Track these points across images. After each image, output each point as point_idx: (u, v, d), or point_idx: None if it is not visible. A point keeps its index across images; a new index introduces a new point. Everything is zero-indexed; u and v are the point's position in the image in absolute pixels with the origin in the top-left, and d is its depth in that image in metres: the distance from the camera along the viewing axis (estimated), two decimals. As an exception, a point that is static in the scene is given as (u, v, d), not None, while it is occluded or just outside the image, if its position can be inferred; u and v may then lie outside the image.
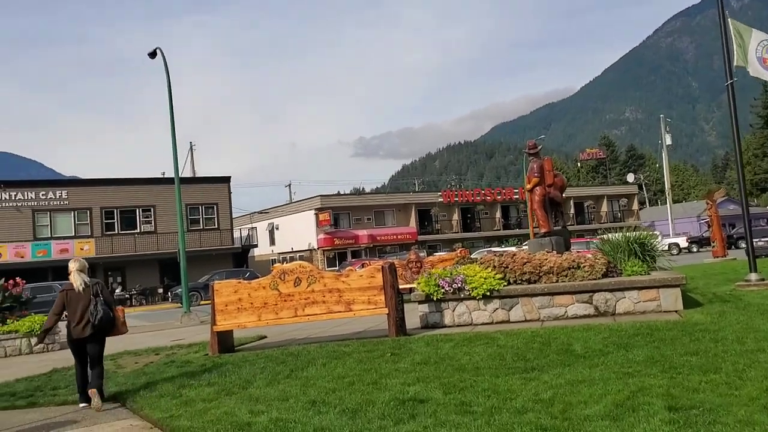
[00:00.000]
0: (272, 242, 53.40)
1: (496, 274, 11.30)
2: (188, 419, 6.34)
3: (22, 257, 37.78)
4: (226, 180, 43.56)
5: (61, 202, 39.19)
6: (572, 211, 61.03)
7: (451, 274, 11.54)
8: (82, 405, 7.70)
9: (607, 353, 7.64)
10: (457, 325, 11.33)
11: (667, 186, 56.50)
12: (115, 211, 40.06)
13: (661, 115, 58.19)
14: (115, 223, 40.07)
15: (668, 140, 56.62)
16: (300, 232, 49.44)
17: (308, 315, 10.91)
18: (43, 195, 39.04)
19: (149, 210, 40.92)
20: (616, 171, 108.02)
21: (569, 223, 60.41)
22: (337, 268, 49.38)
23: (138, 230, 40.51)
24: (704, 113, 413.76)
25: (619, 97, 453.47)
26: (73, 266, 7.99)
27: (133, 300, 37.74)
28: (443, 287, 11.30)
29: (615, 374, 6.50)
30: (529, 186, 13.16)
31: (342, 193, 65.58)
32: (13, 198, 38.24)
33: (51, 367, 12.00)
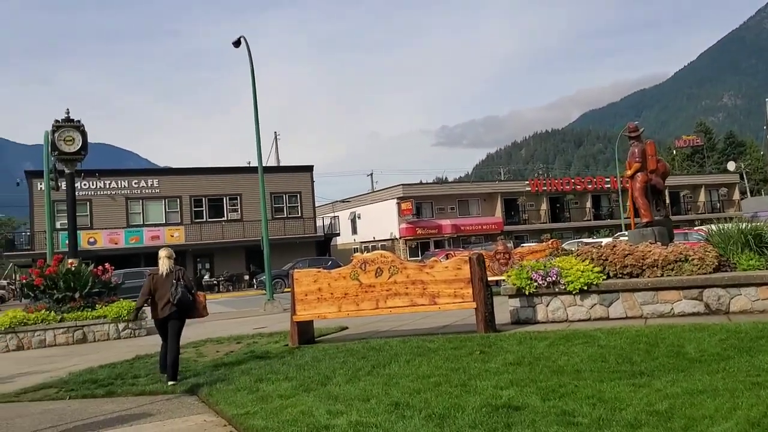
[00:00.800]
0: (354, 231, 53.39)
1: (594, 266, 10.44)
2: (263, 418, 5.92)
3: (116, 243, 39.16)
4: (309, 169, 43.77)
5: (153, 191, 40.37)
6: (668, 200, 58.03)
7: (544, 266, 10.75)
8: (159, 375, 8.77)
9: (727, 358, 6.73)
10: (551, 322, 10.56)
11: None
12: (204, 199, 40.93)
13: (767, 100, 54.45)
14: (204, 211, 40.95)
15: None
16: (382, 221, 49.16)
17: (390, 307, 10.39)
18: (135, 183, 40.31)
19: (236, 198, 41.59)
20: (713, 159, 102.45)
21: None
22: (419, 258, 48.90)
23: (225, 218, 41.25)
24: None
25: (716, 82, 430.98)
26: (162, 253, 8.88)
27: (221, 286, 38.46)
28: (536, 280, 10.54)
29: (742, 384, 5.62)
30: (629, 172, 12.13)
31: (424, 182, 64.79)
32: (107, 186, 39.66)
33: (135, 353, 12.01)
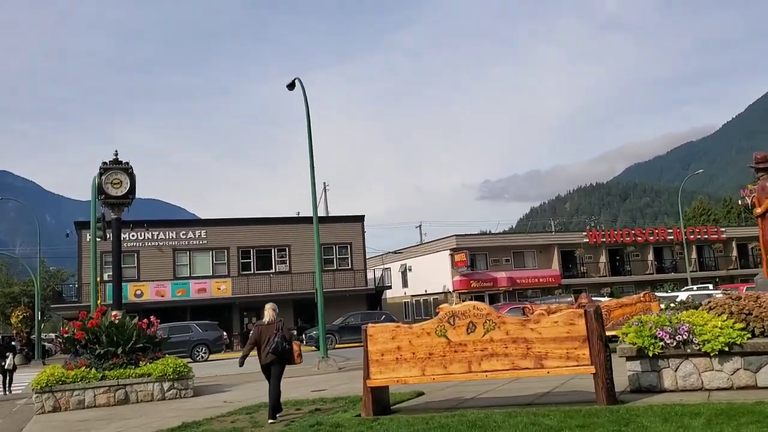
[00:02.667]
0: (404, 284, 51.55)
1: (734, 322, 8.55)
2: None
3: (162, 296, 38.10)
4: (360, 219, 42.37)
5: (200, 242, 39.41)
6: (735, 252, 55.02)
7: (670, 321, 8.91)
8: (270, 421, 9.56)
9: None
10: (682, 390, 8.64)
11: None
12: (252, 250, 39.76)
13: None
14: (251, 263, 39.74)
15: None
16: (434, 273, 47.29)
17: (486, 371, 8.64)
18: (183, 234, 39.46)
19: (284, 250, 40.35)
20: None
21: (731, 267, 54.43)
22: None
23: (273, 270, 39.95)
24: None
25: (766, 134, 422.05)
26: (268, 306, 10.28)
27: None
28: (663, 339, 8.68)
29: None
30: (760, 210, 10.25)
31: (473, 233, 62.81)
32: (155, 237, 38.87)
33: (181, 419, 10.44)
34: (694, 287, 39.45)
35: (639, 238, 51.70)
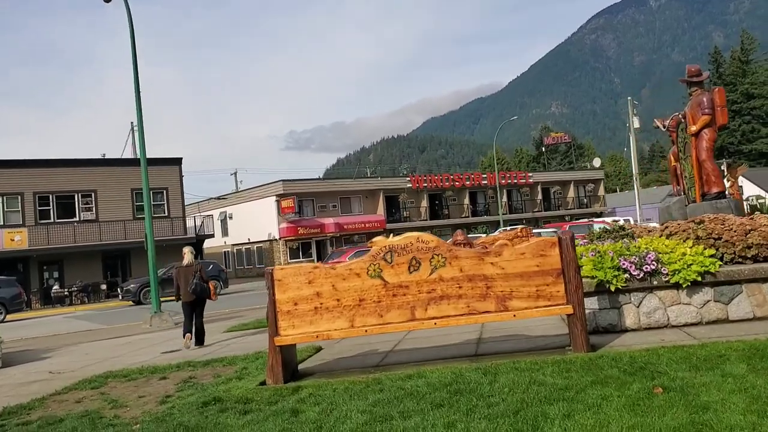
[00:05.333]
0: (225, 233, 48.30)
1: (703, 248, 7.55)
2: None
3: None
4: (177, 162, 38.17)
5: (-14, 187, 33.26)
6: (540, 196, 58.38)
7: (629, 249, 7.73)
8: (184, 339, 11.19)
9: None
10: (646, 328, 7.57)
11: (634, 171, 54.24)
12: (51, 196, 34.19)
13: (629, 98, 56.12)
14: (51, 211, 34.32)
15: (636, 123, 54.49)
16: (258, 221, 44.58)
17: (434, 318, 6.91)
18: (-37, 178, 33.03)
19: (90, 195, 35.26)
20: (557, 161, 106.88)
21: (537, 209, 57.78)
22: (300, 259, 44.97)
23: (77, 218, 34.87)
24: (626, 108, 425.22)
25: (545, 92, 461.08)
26: (186, 249, 11.84)
27: (74, 298, 32.36)
28: (628, 270, 7.48)
29: None
30: (695, 128, 9.35)
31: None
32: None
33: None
34: (508, 228, 40.90)
35: (457, 183, 52.86)
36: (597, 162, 64.07)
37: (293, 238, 43.62)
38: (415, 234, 7.10)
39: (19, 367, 11.71)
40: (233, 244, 48.15)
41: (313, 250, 45.09)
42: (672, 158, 10.50)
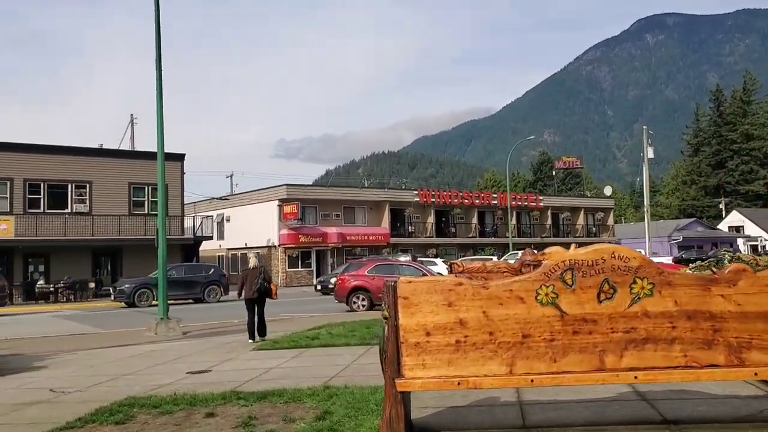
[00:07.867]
0: (221, 236, 45.96)
1: None
2: None
3: None
4: (179, 158, 35.81)
5: (-28, 170, 30.82)
6: (549, 221, 56.64)
7: None
8: (249, 341, 12.70)
9: None
10: None
11: (646, 202, 52.66)
12: (42, 184, 31.74)
13: (644, 127, 54.77)
14: (41, 200, 31.87)
15: (650, 153, 53.07)
16: (257, 225, 42.29)
17: (635, 370, 4.86)
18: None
19: (84, 186, 32.87)
20: (552, 188, 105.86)
21: (545, 235, 55.94)
22: (299, 269, 42.76)
23: (69, 210, 32.44)
24: (617, 141, 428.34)
25: (538, 119, 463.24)
26: (251, 254, 14.74)
27: (59, 294, 29.92)
28: None
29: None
30: None
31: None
32: None
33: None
34: (519, 253, 39.14)
35: (466, 201, 51.01)
36: (608, 190, 62.49)
37: (293, 245, 41.43)
38: (609, 246, 5.06)
39: (11, 378, 9.60)
40: (229, 249, 45.84)
41: (313, 260, 42.89)
42: None
